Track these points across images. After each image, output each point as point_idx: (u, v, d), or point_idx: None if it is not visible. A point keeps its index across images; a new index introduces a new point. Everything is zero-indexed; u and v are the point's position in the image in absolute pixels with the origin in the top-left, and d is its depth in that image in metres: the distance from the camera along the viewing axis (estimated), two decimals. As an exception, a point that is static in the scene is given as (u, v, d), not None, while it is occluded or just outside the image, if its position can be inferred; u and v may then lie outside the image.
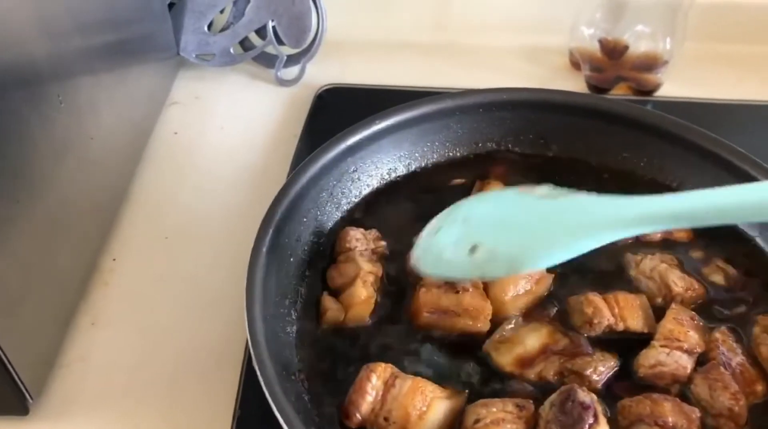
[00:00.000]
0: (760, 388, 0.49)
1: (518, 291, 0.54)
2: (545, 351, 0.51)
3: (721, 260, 0.57)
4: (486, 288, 0.54)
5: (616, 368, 0.50)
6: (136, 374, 0.58)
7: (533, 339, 0.51)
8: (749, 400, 0.48)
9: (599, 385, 0.49)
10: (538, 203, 0.43)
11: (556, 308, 0.54)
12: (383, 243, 0.57)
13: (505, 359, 0.51)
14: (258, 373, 0.43)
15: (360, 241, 0.57)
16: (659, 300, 0.54)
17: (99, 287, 0.64)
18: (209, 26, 0.83)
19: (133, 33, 0.73)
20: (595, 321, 0.52)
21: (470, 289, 0.53)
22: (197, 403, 0.56)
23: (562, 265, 0.52)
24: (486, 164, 0.64)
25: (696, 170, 0.60)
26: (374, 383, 0.47)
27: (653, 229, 0.41)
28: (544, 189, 0.44)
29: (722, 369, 0.49)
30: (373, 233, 0.58)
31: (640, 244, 0.58)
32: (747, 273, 0.56)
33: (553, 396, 0.47)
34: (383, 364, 0.48)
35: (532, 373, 0.50)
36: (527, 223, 0.42)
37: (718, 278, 0.56)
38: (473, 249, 0.43)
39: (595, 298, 0.53)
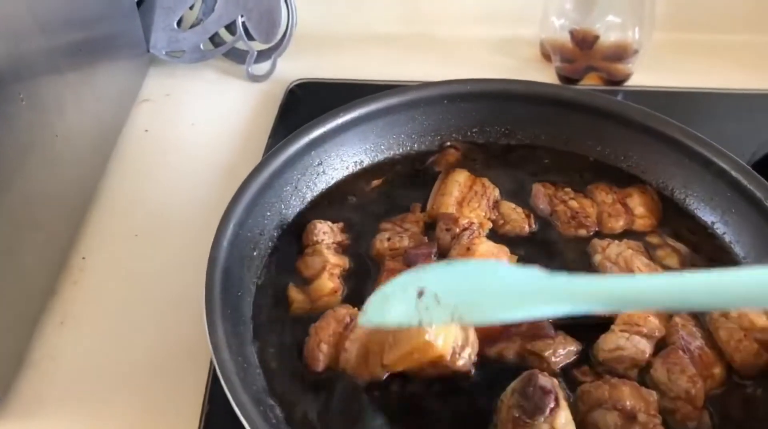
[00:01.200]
0: (717, 371, 0.49)
1: None
2: (507, 330, 0.51)
3: (671, 238, 0.58)
4: None
5: (576, 354, 0.51)
6: (105, 372, 0.58)
7: None
8: (707, 384, 0.49)
9: (557, 368, 0.50)
10: (487, 270, 0.45)
11: None
12: (347, 235, 0.58)
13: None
14: (218, 372, 0.43)
15: (327, 234, 0.57)
16: None
17: (68, 286, 0.63)
18: (179, 23, 0.82)
19: (101, 31, 0.72)
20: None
21: None
22: (166, 399, 0.56)
23: (526, 249, 0.55)
24: (451, 155, 0.64)
25: (660, 157, 0.60)
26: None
27: (586, 309, 0.41)
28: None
29: (681, 353, 0.49)
30: (339, 226, 0.58)
31: (603, 234, 0.59)
32: (695, 249, 0.57)
33: (515, 382, 0.47)
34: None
35: (492, 351, 0.51)
36: (475, 284, 0.44)
37: (672, 261, 0.56)
38: (420, 293, 0.43)
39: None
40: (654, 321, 0.51)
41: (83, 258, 0.66)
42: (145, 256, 0.66)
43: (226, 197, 0.69)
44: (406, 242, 0.56)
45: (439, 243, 0.56)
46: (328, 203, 0.61)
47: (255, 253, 0.55)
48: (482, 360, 0.50)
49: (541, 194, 0.61)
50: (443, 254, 0.56)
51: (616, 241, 0.57)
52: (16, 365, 0.57)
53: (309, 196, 0.61)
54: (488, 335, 0.51)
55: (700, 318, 0.52)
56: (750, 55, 0.85)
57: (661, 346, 0.51)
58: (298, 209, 0.60)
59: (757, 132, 0.74)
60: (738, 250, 0.57)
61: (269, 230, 0.57)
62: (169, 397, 0.56)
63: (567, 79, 0.83)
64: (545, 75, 0.83)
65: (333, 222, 0.58)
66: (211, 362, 0.56)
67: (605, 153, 0.63)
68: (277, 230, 0.58)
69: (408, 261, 0.54)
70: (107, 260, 0.66)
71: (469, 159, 0.64)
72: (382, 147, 0.64)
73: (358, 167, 0.63)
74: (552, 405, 0.45)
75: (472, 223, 0.56)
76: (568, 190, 0.61)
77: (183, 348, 0.58)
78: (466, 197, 0.59)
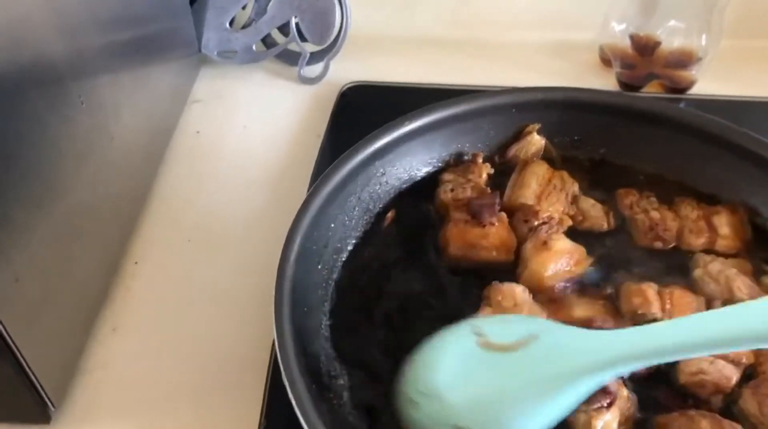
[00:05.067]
0: (812, 404, 0.47)
1: (558, 269, 0.54)
2: (589, 326, 0.50)
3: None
4: (525, 263, 0.54)
5: (652, 368, 0.49)
6: (158, 382, 0.56)
7: (581, 310, 0.51)
8: (800, 417, 0.46)
9: (625, 375, 0.48)
10: (509, 359, 0.41)
11: (611, 291, 0.54)
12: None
13: (546, 315, 0.50)
14: (288, 390, 0.42)
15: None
16: (718, 303, 0.52)
17: (120, 292, 0.62)
18: (231, 23, 0.81)
19: (154, 30, 0.71)
20: (640, 312, 0.51)
21: (496, 224, 0.55)
22: (221, 412, 0.54)
23: (604, 249, 0.56)
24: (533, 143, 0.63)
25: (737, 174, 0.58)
26: None
27: (639, 366, 0.41)
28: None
29: (773, 384, 0.47)
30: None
31: (681, 250, 0.57)
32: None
33: None
34: None
35: None
36: (500, 391, 0.41)
37: None
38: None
39: (649, 289, 0.52)
40: (743, 347, 0.49)
41: (135, 263, 0.65)
42: (198, 261, 0.65)
43: (278, 201, 0.68)
44: (469, 193, 0.58)
45: (516, 233, 0.56)
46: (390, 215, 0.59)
47: (320, 267, 0.53)
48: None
49: (623, 199, 0.60)
50: (519, 244, 0.56)
51: (722, 259, 0.54)
52: (70, 373, 0.56)
53: (372, 207, 0.59)
54: (569, 323, 0.49)
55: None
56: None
57: (749, 374, 0.48)
58: (361, 220, 0.58)
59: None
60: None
61: (333, 243, 0.55)
62: (224, 409, 0.54)
63: (628, 86, 0.80)
64: (605, 81, 0.80)
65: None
66: (269, 370, 0.55)
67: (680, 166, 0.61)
68: (340, 243, 0.56)
69: (472, 211, 0.55)
70: (160, 266, 0.64)
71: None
72: (447, 157, 0.62)
73: (422, 178, 0.61)
74: (602, 405, 0.44)
75: (552, 217, 0.56)
76: (653, 199, 0.59)
77: (238, 358, 0.57)
78: (545, 190, 0.58)
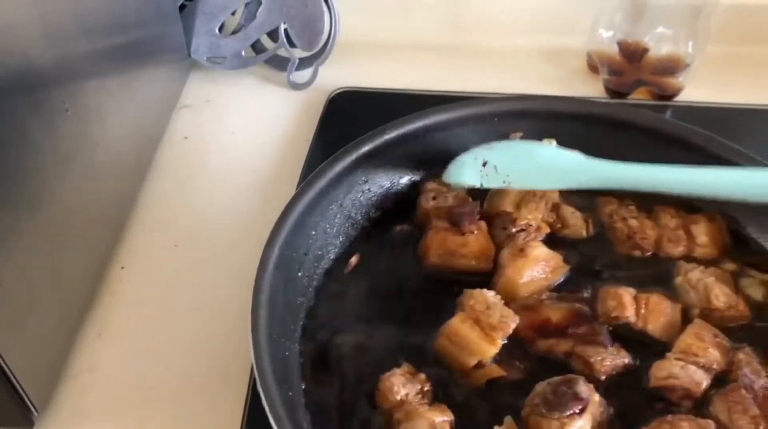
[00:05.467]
0: (784, 414, 0.47)
1: (533, 276, 0.54)
2: (564, 328, 0.51)
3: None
4: (501, 270, 0.55)
5: (624, 368, 0.50)
6: (143, 386, 0.57)
7: (556, 313, 0.52)
8: (770, 426, 0.46)
9: (601, 377, 0.49)
10: (538, 149, 0.56)
11: (588, 294, 0.54)
12: (425, 378, 0.50)
13: (523, 322, 0.51)
14: (262, 397, 0.42)
15: (406, 385, 0.49)
16: (696, 311, 0.53)
17: (106, 297, 0.63)
18: (220, 28, 0.81)
19: (143, 35, 0.71)
20: (613, 315, 0.52)
21: (475, 232, 0.56)
22: (204, 417, 0.55)
23: (583, 257, 0.57)
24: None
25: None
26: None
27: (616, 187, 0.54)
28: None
29: (743, 391, 0.47)
30: (411, 369, 0.51)
31: (660, 258, 0.57)
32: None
33: (557, 378, 0.47)
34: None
35: (543, 345, 0.51)
36: (526, 160, 0.56)
37: (755, 291, 0.55)
38: (484, 164, 0.54)
39: (625, 294, 0.53)
40: (714, 353, 0.49)
41: (122, 268, 0.65)
42: (184, 266, 0.65)
43: (266, 207, 0.68)
44: (450, 201, 0.58)
45: (495, 241, 0.56)
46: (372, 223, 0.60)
47: (299, 274, 0.54)
48: (528, 354, 0.51)
49: (603, 208, 0.60)
50: (497, 251, 0.56)
51: (702, 267, 0.55)
52: (55, 378, 0.57)
53: (354, 215, 0.59)
54: (544, 328, 0.51)
55: (764, 356, 0.50)
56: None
57: (720, 381, 0.49)
58: (342, 228, 0.58)
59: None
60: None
61: (313, 250, 0.56)
62: (207, 414, 0.55)
63: (615, 93, 0.80)
64: (592, 87, 0.81)
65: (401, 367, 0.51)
66: (251, 377, 0.55)
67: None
68: (321, 250, 0.57)
69: (453, 219, 0.56)
70: (146, 271, 0.65)
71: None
72: (429, 164, 0.62)
73: (404, 185, 0.62)
74: (574, 411, 0.45)
75: (530, 225, 0.56)
76: (632, 207, 0.60)
77: (222, 363, 0.58)
78: (524, 198, 0.59)
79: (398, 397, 0.47)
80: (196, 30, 0.81)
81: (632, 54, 0.79)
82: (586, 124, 0.60)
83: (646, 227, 0.58)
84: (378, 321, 0.53)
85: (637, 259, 0.58)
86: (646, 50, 0.78)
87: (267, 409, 0.42)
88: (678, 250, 0.57)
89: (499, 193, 0.59)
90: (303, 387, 0.49)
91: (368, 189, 0.60)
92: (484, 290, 0.52)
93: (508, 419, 0.47)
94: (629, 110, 0.60)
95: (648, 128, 0.60)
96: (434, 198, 0.59)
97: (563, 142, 0.61)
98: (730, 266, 0.57)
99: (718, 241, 0.58)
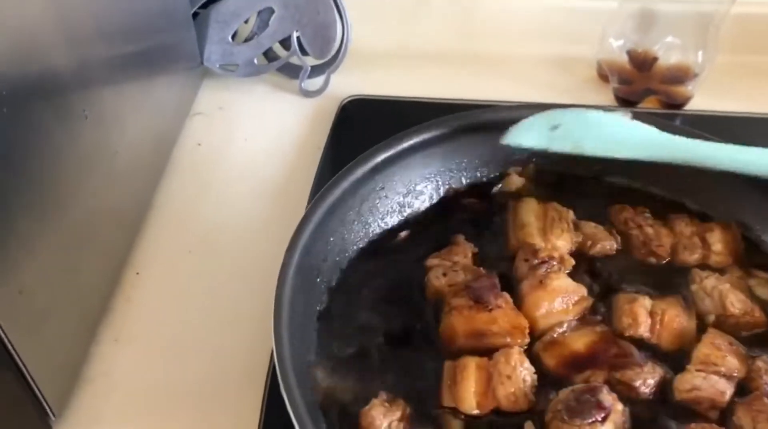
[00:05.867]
0: (807, 420, 0.47)
1: (552, 308, 0.52)
2: (594, 356, 0.50)
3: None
4: (520, 303, 0.53)
5: (663, 378, 0.50)
6: (159, 391, 0.57)
7: (581, 342, 0.51)
8: (794, 433, 0.47)
9: (648, 396, 0.49)
10: (612, 119, 0.56)
11: (605, 309, 0.54)
12: (403, 403, 0.49)
13: (553, 361, 0.50)
14: (286, 401, 0.43)
15: (386, 416, 0.48)
16: (711, 318, 0.53)
17: (122, 302, 0.63)
18: (233, 36, 0.82)
19: (158, 42, 0.72)
20: (627, 334, 0.52)
21: (502, 306, 0.52)
22: (221, 420, 0.55)
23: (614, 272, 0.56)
24: (513, 182, 0.63)
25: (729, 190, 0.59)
26: None
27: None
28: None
29: (766, 400, 0.47)
30: (391, 398, 0.50)
31: (675, 266, 0.57)
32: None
33: (579, 385, 0.47)
34: None
35: (579, 378, 0.49)
36: (599, 128, 0.55)
37: (763, 292, 0.55)
38: (554, 127, 0.54)
39: (640, 309, 0.52)
40: (732, 360, 0.49)
41: (137, 273, 0.65)
42: (199, 272, 0.65)
43: (279, 213, 0.69)
44: (462, 276, 0.54)
45: (516, 273, 0.55)
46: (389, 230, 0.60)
47: (318, 280, 0.54)
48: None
49: (617, 215, 0.60)
50: (518, 283, 0.54)
51: (717, 274, 0.55)
52: (72, 382, 0.57)
53: (371, 221, 0.60)
54: (576, 361, 0.50)
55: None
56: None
57: (742, 389, 0.49)
58: (359, 235, 0.59)
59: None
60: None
61: (332, 257, 0.56)
62: (223, 419, 0.55)
63: (625, 101, 0.81)
64: (602, 96, 0.81)
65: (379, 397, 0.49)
66: (267, 382, 0.55)
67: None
68: (339, 257, 0.57)
69: (474, 295, 0.52)
70: (161, 276, 0.65)
71: (537, 184, 0.63)
72: (447, 172, 0.62)
73: (420, 192, 0.62)
74: (596, 419, 0.45)
75: (552, 256, 0.55)
76: (647, 214, 0.60)
77: (238, 368, 0.58)
78: (545, 224, 0.58)
79: None
80: (209, 38, 0.82)
81: (642, 63, 0.79)
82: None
83: (662, 235, 0.58)
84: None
85: (651, 267, 0.58)
86: (655, 59, 0.79)
87: (291, 412, 0.42)
88: (693, 257, 0.57)
89: (520, 225, 0.58)
90: (323, 388, 0.49)
91: (385, 195, 0.60)
92: (524, 360, 0.49)
93: (528, 424, 0.47)
94: (641, 117, 0.60)
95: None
96: (444, 274, 0.55)
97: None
98: (742, 273, 0.57)
99: (733, 249, 0.58)
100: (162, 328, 0.61)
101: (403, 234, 0.60)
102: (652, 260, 0.58)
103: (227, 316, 0.62)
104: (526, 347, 0.51)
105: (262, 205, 0.71)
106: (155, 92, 0.71)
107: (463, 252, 0.57)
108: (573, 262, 0.56)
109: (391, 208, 0.60)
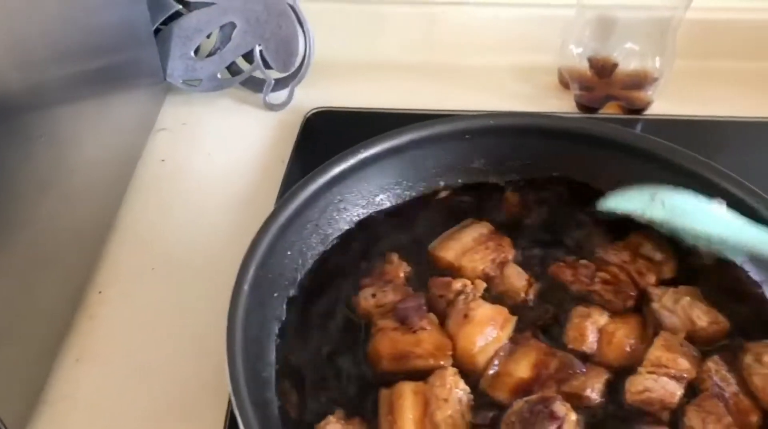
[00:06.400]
0: (754, 419, 0.48)
1: (487, 339, 0.52)
2: (539, 375, 0.50)
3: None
4: (454, 342, 0.52)
5: (607, 382, 0.50)
6: (121, 412, 0.57)
7: (523, 367, 0.51)
8: (743, 432, 0.47)
9: (598, 400, 0.49)
10: (705, 206, 0.56)
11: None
12: (359, 421, 0.49)
13: (502, 394, 0.50)
14: (238, 417, 0.42)
15: None
16: (683, 335, 0.53)
17: (84, 321, 0.63)
18: (196, 51, 0.82)
19: (118, 60, 0.72)
20: (570, 346, 0.52)
21: (427, 328, 0.51)
22: (184, 440, 0.55)
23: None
24: (475, 190, 0.64)
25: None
26: None
27: None
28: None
29: (715, 400, 0.48)
30: (347, 416, 0.49)
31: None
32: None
33: (534, 396, 0.47)
34: None
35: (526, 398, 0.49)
36: (692, 206, 0.56)
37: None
38: (653, 197, 0.55)
39: (589, 326, 0.52)
40: (683, 362, 0.50)
41: (99, 292, 0.65)
42: (162, 290, 0.65)
43: (243, 229, 0.68)
44: (391, 296, 0.54)
45: (436, 311, 0.53)
46: (346, 243, 0.60)
47: (276, 295, 0.54)
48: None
49: (560, 276, 0.57)
50: (441, 321, 0.53)
51: (672, 289, 0.55)
52: (32, 404, 0.56)
53: (330, 234, 0.60)
54: (520, 385, 0.49)
55: (733, 363, 0.51)
56: (774, 82, 0.84)
57: (692, 390, 0.50)
58: (317, 248, 0.59)
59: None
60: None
61: (289, 271, 0.56)
62: (187, 437, 0.55)
63: (586, 108, 0.82)
64: (564, 103, 0.82)
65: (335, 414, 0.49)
66: (229, 402, 0.55)
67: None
68: (297, 272, 0.57)
69: (399, 317, 0.52)
70: (124, 295, 0.65)
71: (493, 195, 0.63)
72: (405, 183, 0.63)
73: (379, 203, 0.62)
74: None
75: (465, 285, 0.54)
76: (584, 261, 0.57)
77: (202, 386, 0.57)
78: (474, 248, 0.57)
79: None
80: (172, 53, 0.82)
81: (602, 69, 0.80)
82: (556, 138, 0.61)
83: (618, 275, 0.56)
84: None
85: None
86: (615, 65, 0.80)
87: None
88: (653, 279, 0.56)
89: (452, 237, 0.58)
90: (278, 405, 0.49)
91: (344, 207, 0.60)
92: (459, 381, 0.49)
93: None
94: (595, 124, 0.61)
95: (612, 141, 0.61)
96: (373, 295, 0.54)
97: (534, 157, 0.62)
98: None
99: (667, 250, 0.58)
100: (125, 347, 0.61)
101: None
102: (630, 304, 0.55)
103: (191, 333, 0.61)
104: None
105: (226, 220, 0.71)
106: (116, 110, 0.71)
107: (395, 271, 0.57)
108: (484, 284, 0.55)
109: (351, 220, 0.61)
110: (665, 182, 0.58)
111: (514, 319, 0.53)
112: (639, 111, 0.81)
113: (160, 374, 0.59)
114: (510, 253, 0.58)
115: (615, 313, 0.54)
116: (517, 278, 0.56)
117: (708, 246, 0.56)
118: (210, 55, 0.82)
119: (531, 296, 0.56)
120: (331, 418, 0.48)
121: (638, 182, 0.57)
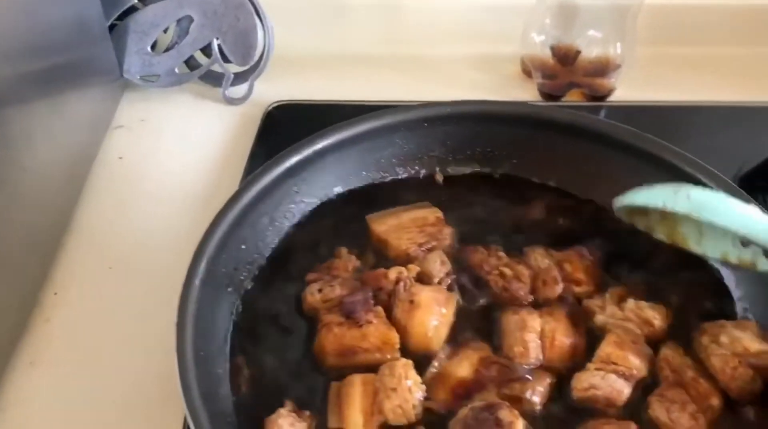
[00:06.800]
0: (716, 402, 0.47)
1: (438, 322, 0.51)
2: (479, 379, 0.49)
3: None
4: (404, 333, 0.51)
5: (550, 386, 0.49)
6: (77, 416, 0.55)
7: (463, 368, 0.49)
8: (707, 416, 0.47)
9: (538, 405, 0.48)
10: (734, 203, 0.52)
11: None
12: (310, 415, 0.48)
13: (443, 394, 0.49)
14: (187, 414, 0.41)
15: (293, 426, 0.47)
16: (642, 338, 0.51)
17: (40, 324, 0.61)
18: (153, 46, 0.80)
19: (71, 57, 0.70)
20: (518, 361, 0.50)
21: (373, 321, 0.50)
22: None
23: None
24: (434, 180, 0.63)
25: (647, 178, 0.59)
26: None
27: None
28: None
29: (678, 388, 0.47)
30: (297, 409, 0.49)
31: (539, 304, 0.54)
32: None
33: (480, 402, 0.46)
34: None
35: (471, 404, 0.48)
36: (719, 203, 0.51)
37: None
38: (676, 191, 0.51)
39: (530, 335, 0.51)
40: (634, 360, 0.49)
41: (55, 293, 0.63)
42: (119, 290, 0.64)
43: (204, 227, 0.67)
44: (338, 291, 0.53)
45: (382, 305, 0.52)
46: (303, 235, 0.59)
47: (230, 290, 0.53)
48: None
49: (471, 258, 0.56)
50: (388, 314, 0.52)
51: (605, 293, 0.53)
52: (-16, 412, 0.55)
53: (287, 226, 0.59)
54: (460, 388, 0.48)
55: (688, 347, 0.50)
56: (735, 67, 0.84)
57: (648, 384, 0.49)
58: (276, 241, 0.58)
59: (743, 146, 0.74)
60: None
61: (244, 265, 0.55)
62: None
63: (549, 96, 0.82)
64: (527, 92, 0.82)
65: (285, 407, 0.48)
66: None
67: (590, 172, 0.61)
68: (252, 265, 0.56)
69: (345, 311, 0.50)
70: (80, 295, 0.63)
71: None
72: (363, 173, 0.62)
73: (337, 195, 0.61)
74: None
75: (401, 271, 0.53)
76: (501, 253, 0.56)
77: (159, 388, 0.56)
78: (407, 228, 0.56)
79: None
80: (128, 49, 0.80)
81: (565, 57, 0.80)
82: (514, 125, 0.61)
83: (521, 274, 0.54)
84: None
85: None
86: (578, 53, 0.79)
87: (191, 423, 0.41)
88: (556, 292, 0.54)
89: (390, 214, 0.57)
90: (233, 400, 0.48)
91: (300, 199, 0.59)
92: (409, 371, 0.48)
93: None
94: (552, 109, 0.61)
95: (570, 125, 0.60)
96: (320, 290, 0.53)
97: (494, 145, 0.61)
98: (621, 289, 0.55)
99: (594, 275, 0.56)
100: (80, 349, 0.60)
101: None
102: (517, 303, 0.54)
103: (149, 334, 0.59)
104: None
105: (185, 218, 0.70)
106: (70, 107, 0.69)
107: (343, 265, 0.55)
108: (417, 268, 0.54)
109: (307, 212, 0.60)
110: (627, 168, 0.58)
111: (454, 297, 0.53)
112: (602, 98, 0.81)
113: (118, 376, 0.57)
114: (445, 244, 0.57)
115: (540, 308, 0.53)
116: (434, 265, 0.54)
117: (726, 257, 0.53)
118: (167, 49, 0.81)
119: (444, 286, 0.54)
120: (281, 411, 0.47)
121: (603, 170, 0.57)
